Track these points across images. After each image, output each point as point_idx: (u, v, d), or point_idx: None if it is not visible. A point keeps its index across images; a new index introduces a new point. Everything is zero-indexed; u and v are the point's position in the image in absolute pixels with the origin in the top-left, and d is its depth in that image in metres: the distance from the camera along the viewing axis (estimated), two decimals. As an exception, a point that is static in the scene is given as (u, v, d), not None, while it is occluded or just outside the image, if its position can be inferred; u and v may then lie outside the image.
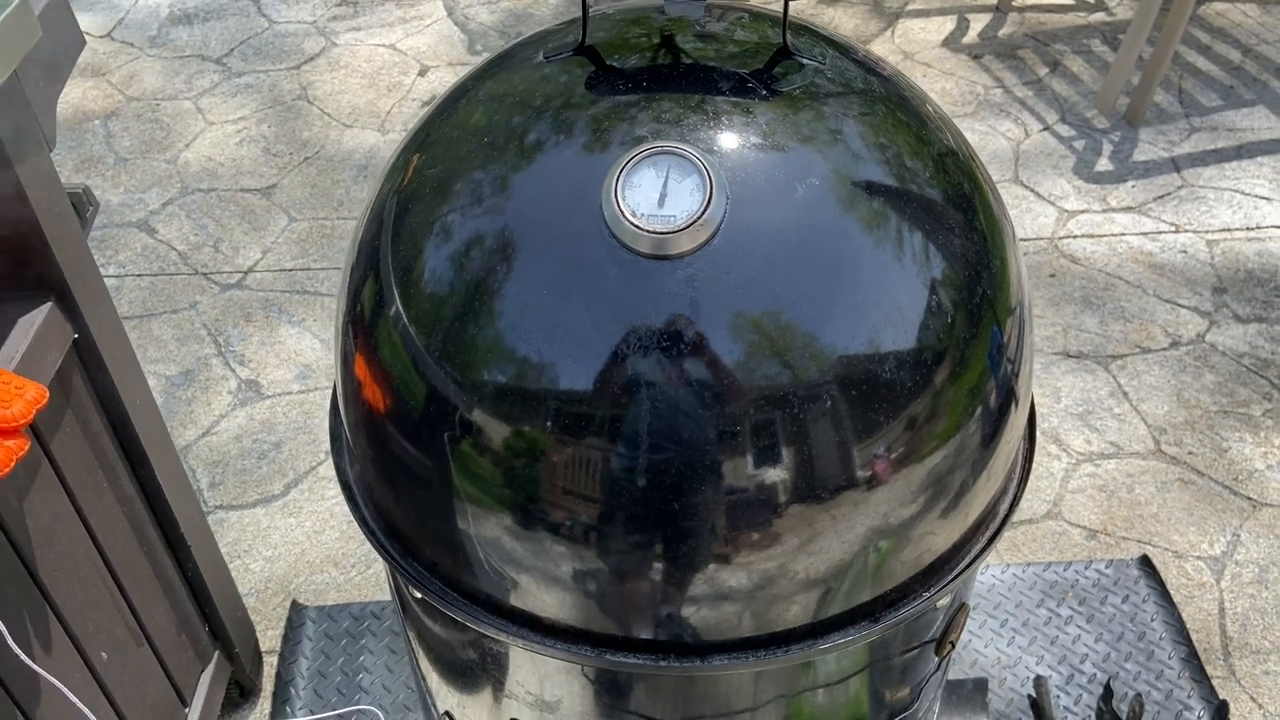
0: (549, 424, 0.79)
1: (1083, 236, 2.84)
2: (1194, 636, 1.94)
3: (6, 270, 1.23)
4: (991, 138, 3.19)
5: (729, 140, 0.82)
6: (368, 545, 2.14)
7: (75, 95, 3.45)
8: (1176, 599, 2.00)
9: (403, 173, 0.92)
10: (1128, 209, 2.93)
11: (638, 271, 0.78)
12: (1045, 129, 3.22)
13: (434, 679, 1.17)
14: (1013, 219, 1.11)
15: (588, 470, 0.80)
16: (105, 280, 1.45)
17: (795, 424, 0.79)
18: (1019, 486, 1.01)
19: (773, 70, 0.89)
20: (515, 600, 0.89)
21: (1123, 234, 2.85)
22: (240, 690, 1.88)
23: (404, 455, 0.89)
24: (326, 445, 2.36)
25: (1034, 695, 1.84)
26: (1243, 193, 2.96)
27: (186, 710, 1.66)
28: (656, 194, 0.79)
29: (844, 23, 3.73)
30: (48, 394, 1.13)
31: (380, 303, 0.88)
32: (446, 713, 1.18)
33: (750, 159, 0.82)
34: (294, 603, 2.02)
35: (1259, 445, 2.29)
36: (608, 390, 0.78)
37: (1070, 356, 2.51)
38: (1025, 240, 2.84)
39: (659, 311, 0.78)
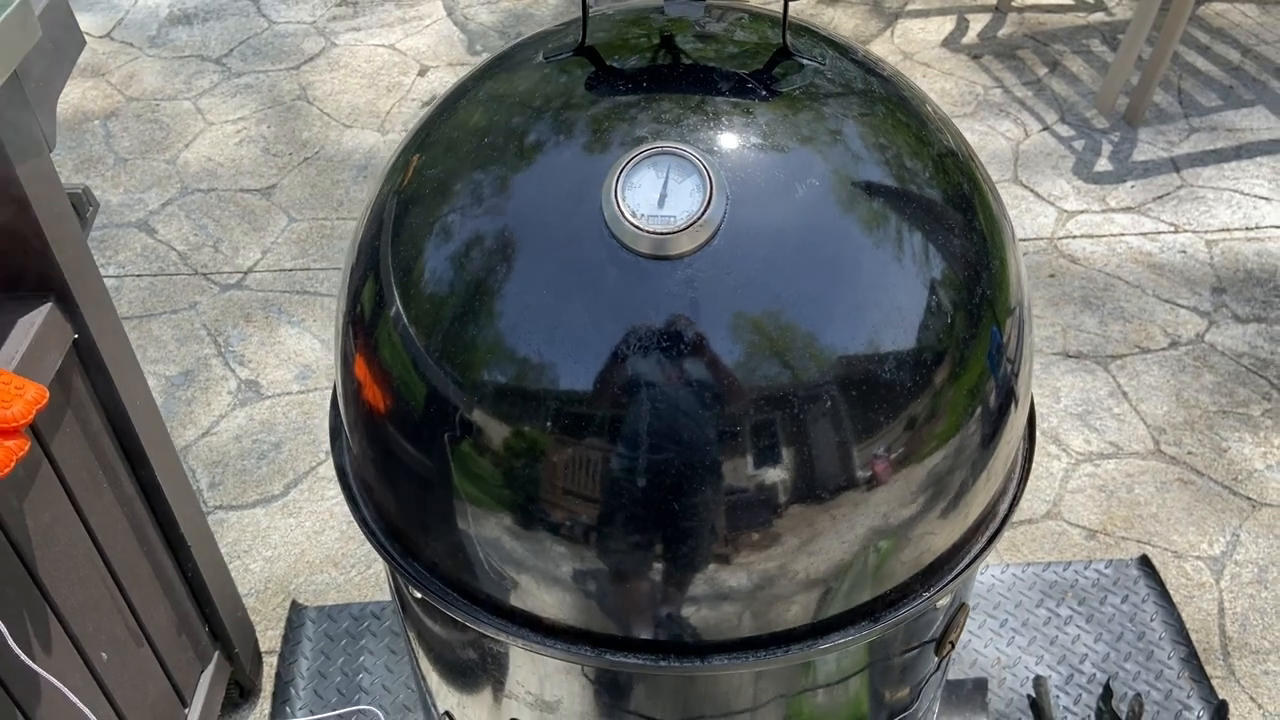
0: (549, 424, 0.80)
1: (1082, 237, 2.84)
2: (1193, 636, 1.94)
3: (6, 270, 1.23)
4: (991, 138, 3.19)
5: (729, 141, 0.82)
6: (367, 545, 2.14)
7: (75, 95, 3.45)
8: (1176, 599, 2.00)
9: (403, 173, 0.92)
10: (1127, 209, 2.93)
11: (638, 272, 0.78)
12: (1045, 129, 3.22)
13: (434, 679, 1.17)
14: (1012, 219, 1.11)
15: (588, 470, 0.80)
16: (105, 280, 1.45)
17: (795, 424, 0.79)
18: (1018, 486, 1.02)
19: (772, 71, 0.89)
20: (515, 600, 0.89)
21: (1122, 234, 2.85)
22: (240, 690, 1.88)
23: (404, 455, 0.89)
24: (326, 445, 2.36)
25: (1033, 695, 1.84)
26: (1242, 193, 2.96)
27: (186, 710, 1.66)
28: (656, 194, 0.79)
29: (843, 23, 3.73)
30: (48, 394, 1.13)
31: (380, 303, 0.88)
32: (446, 713, 1.18)
33: (750, 159, 0.82)
34: (294, 603, 2.02)
35: (1258, 445, 2.29)
36: (608, 390, 0.78)
37: (1070, 356, 2.51)
38: (1025, 240, 2.84)
39: (659, 312, 0.78)
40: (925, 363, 0.82)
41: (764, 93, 0.86)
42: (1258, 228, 2.85)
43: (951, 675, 1.84)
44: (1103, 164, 3.08)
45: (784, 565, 0.83)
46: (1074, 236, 2.84)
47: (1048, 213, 2.92)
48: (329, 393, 2.45)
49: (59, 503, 1.30)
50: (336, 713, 1.84)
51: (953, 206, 0.88)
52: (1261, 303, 2.63)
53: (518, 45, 0.99)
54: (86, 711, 1.26)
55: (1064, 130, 3.21)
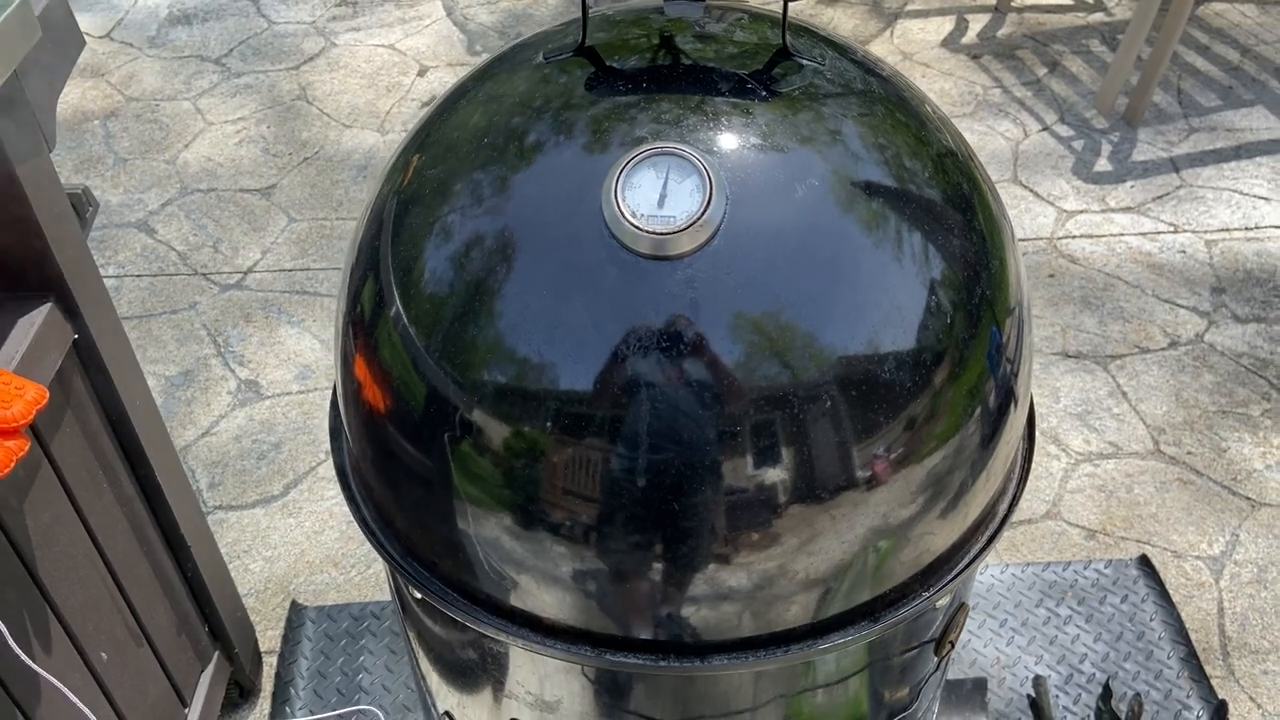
0: (549, 424, 0.80)
1: (1082, 237, 2.84)
2: (1193, 636, 1.95)
3: (6, 270, 1.23)
4: (990, 138, 3.19)
5: (729, 141, 0.82)
6: (367, 545, 2.14)
7: (75, 95, 3.45)
8: (1175, 599, 2.00)
9: (402, 173, 0.92)
10: (1126, 209, 2.93)
11: (637, 272, 0.78)
12: (1044, 129, 3.22)
13: (434, 679, 1.17)
14: (1012, 219, 1.11)
15: (588, 470, 0.80)
16: (105, 281, 1.45)
17: (795, 424, 0.79)
18: (1018, 486, 1.02)
19: (772, 71, 0.89)
20: (515, 600, 0.89)
21: (1121, 234, 2.85)
22: (240, 690, 1.88)
23: (404, 455, 0.89)
24: (326, 445, 2.36)
25: (1033, 695, 1.85)
26: (1241, 193, 2.97)
27: (186, 710, 1.66)
28: (656, 195, 0.79)
29: (843, 23, 3.73)
30: (48, 394, 1.13)
31: (380, 303, 0.89)
32: (446, 713, 1.18)
33: (750, 160, 0.82)
34: (293, 603, 2.02)
35: (1258, 445, 2.29)
36: (608, 391, 0.78)
37: (1069, 356, 2.51)
38: (1024, 240, 2.84)
39: (659, 312, 0.78)
40: (925, 363, 0.82)
41: (764, 93, 0.86)
42: (1257, 228, 2.85)
43: (951, 675, 1.85)
44: (1102, 164, 3.08)
45: (784, 565, 0.83)
46: (1073, 236, 2.85)
47: (1047, 213, 2.92)
48: (329, 393, 2.45)
49: (59, 503, 1.30)
50: (336, 713, 1.84)
51: (952, 206, 0.88)
52: (1261, 303, 2.63)
53: (517, 45, 0.99)
54: (86, 711, 1.26)
55: (1063, 130, 3.21)
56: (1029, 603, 1.99)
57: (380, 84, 3.49)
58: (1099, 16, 3.73)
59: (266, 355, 2.57)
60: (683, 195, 0.79)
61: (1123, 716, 1.81)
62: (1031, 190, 3.00)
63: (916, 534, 0.88)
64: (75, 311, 1.28)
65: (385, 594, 2.05)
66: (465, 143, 0.89)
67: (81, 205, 1.31)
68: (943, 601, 1.00)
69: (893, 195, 0.85)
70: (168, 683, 1.60)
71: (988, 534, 0.96)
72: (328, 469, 2.30)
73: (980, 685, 1.75)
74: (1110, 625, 1.96)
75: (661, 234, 0.78)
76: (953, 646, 1.10)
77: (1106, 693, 1.83)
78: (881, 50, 3.58)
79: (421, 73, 3.54)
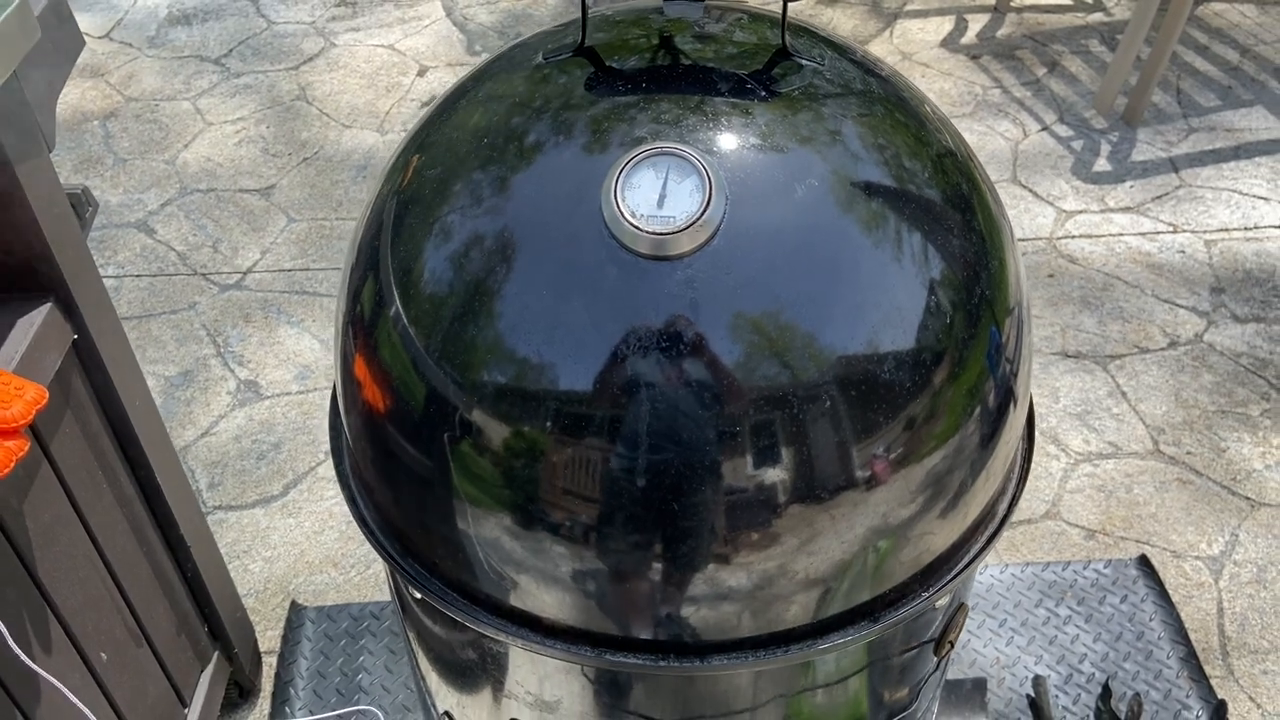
0: (549, 424, 0.80)
1: (1081, 237, 2.85)
2: (1192, 636, 1.95)
3: (6, 270, 1.23)
4: (990, 138, 3.19)
5: (728, 141, 0.82)
6: (367, 545, 2.14)
7: (74, 96, 3.45)
8: (1175, 599, 2.00)
9: (402, 173, 0.92)
10: (1126, 209, 2.93)
11: (637, 272, 0.78)
12: (1043, 129, 3.22)
13: (433, 679, 1.17)
14: (1011, 219, 1.12)
15: (587, 471, 0.80)
16: (104, 281, 1.45)
17: (794, 424, 0.79)
18: (1017, 486, 1.02)
19: (772, 71, 0.89)
20: (515, 600, 0.89)
21: (1121, 234, 2.85)
22: (240, 690, 1.88)
23: (404, 455, 0.89)
24: (326, 445, 2.36)
25: (1033, 695, 1.85)
26: (1240, 193, 2.97)
27: (186, 710, 1.66)
28: (656, 195, 0.79)
29: (842, 23, 3.74)
30: (47, 395, 1.13)
31: (380, 303, 0.89)
32: (446, 713, 1.18)
33: (749, 160, 0.82)
34: (293, 603, 2.02)
35: (1257, 445, 2.29)
36: (607, 391, 0.78)
37: (1069, 356, 2.51)
38: (1024, 240, 2.84)
39: (658, 312, 0.78)
40: (924, 363, 0.82)
41: (763, 93, 0.86)
42: (1256, 228, 2.85)
43: (951, 675, 1.85)
44: (1101, 164, 3.08)
45: (783, 565, 0.83)
46: (1073, 236, 2.85)
47: (1046, 213, 2.92)
48: (328, 393, 2.45)
49: (59, 503, 1.30)
50: (336, 713, 1.84)
51: (952, 207, 0.88)
52: (1260, 302, 2.63)
53: (517, 46, 0.99)
54: (86, 711, 1.26)
55: (1063, 130, 3.21)
56: (1028, 603, 1.99)
57: (380, 84, 3.49)
58: (1098, 16, 3.73)
59: (266, 355, 2.57)
60: (682, 195, 0.79)
61: (1122, 716, 1.81)
62: (1031, 190, 3.00)
63: (916, 534, 0.88)
64: (75, 312, 1.28)
65: (385, 594, 2.05)
66: (465, 143, 0.89)
67: (81, 205, 1.31)
68: (942, 601, 1.00)
69: (892, 195, 0.85)
70: (167, 683, 1.60)
71: (987, 534, 0.96)
72: (327, 469, 2.30)
73: (980, 685, 1.75)
74: (1110, 625, 1.96)
75: (661, 234, 0.78)
76: (952, 646, 1.10)
77: (1106, 693, 1.83)
78: (881, 50, 3.58)
79: (421, 73, 3.54)
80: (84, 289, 1.29)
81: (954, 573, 0.93)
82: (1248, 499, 2.19)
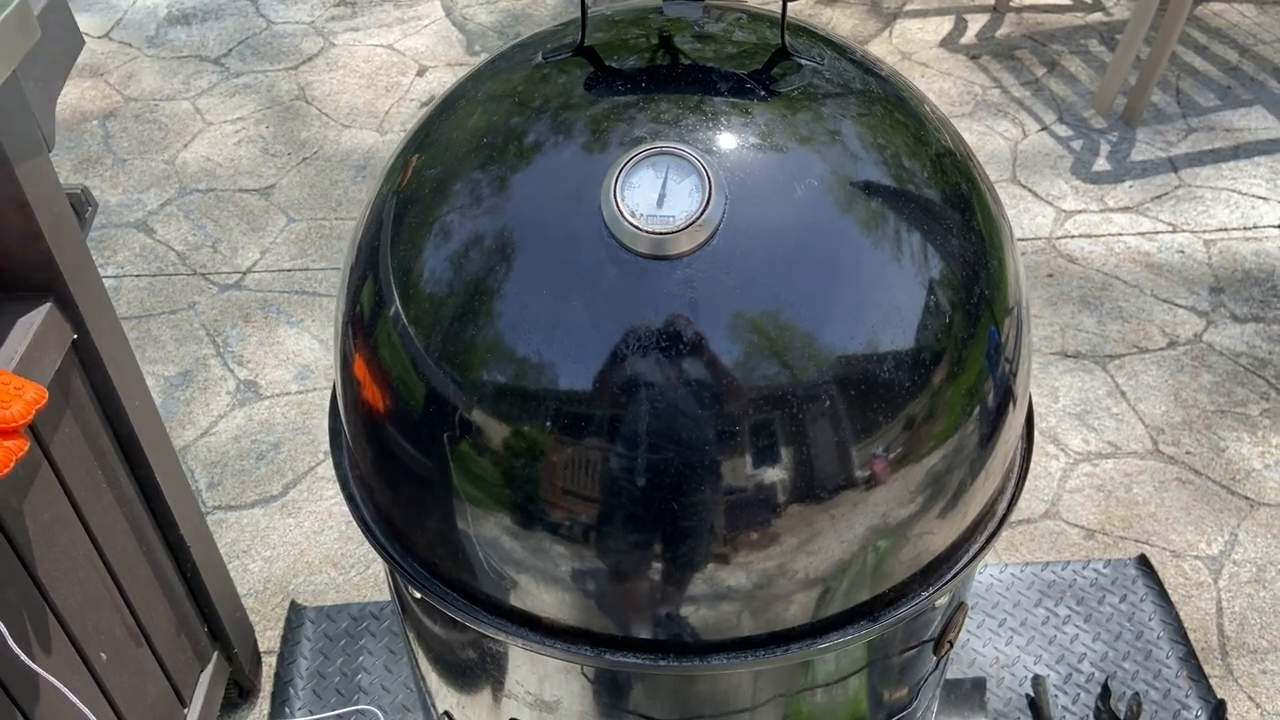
0: (548, 424, 0.80)
1: (1080, 236, 2.85)
2: (1191, 636, 1.95)
3: (5, 270, 1.23)
4: (989, 138, 3.19)
5: (728, 141, 0.82)
6: (366, 545, 2.14)
7: (73, 95, 3.45)
8: (1174, 598, 2.00)
9: (402, 173, 0.92)
10: (1125, 209, 2.93)
11: (637, 272, 0.79)
12: (1043, 129, 3.22)
13: (433, 679, 1.17)
14: (1010, 219, 1.11)
15: (587, 470, 0.80)
16: (104, 281, 1.45)
17: (794, 424, 0.79)
18: (1017, 486, 1.02)
19: (771, 71, 0.89)
20: (514, 600, 0.89)
21: (1120, 234, 2.85)
22: (239, 690, 1.88)
23: (403, 455, 0.89)
24: (325, 445, 2.36)
25: (1032, 694, 1.85)
26: (1240, 192, 2.97)
27: (185, 710, 1.66)
28: (655, 194, 0.79)
29: (842, 23, 3.74)
30: (47, 394, 1.13)
31: (380, 303, 0.89)
32: (446, 713, 1.18)
33: (749, 159, 0.82)
34: (293, 603, 2.02)
35: (1256, 445, 2.30)
36: (607, 390, 0.78)
37: (1068, 356, 2.51)
38: (1023, 240, 2.84)
39: (658, 312, 0.78)
40: (923, 362, 0.82)
41: (762, 93, 0.86)
42: (1255, 227, 2.86)
43: (950, 675, 1.85)
44: (1101, 164, 3.08)
45: (783, 565, 0.83)
46: (1072, 236, 2.85)
47: (1046, 213, 2.92)
48: (328, 393, 2.45)
49: (58, 503, 1.30)
50: (335, 713, 1.84)
51: (951, 206, 0.88)
52: (1259, 302, 2.63)
53: (516, 45, 0.99)
54: (86, 711, 1.26)
55: (1062, 130, 3.21)
56: (1028, 602, 1.99)
57: (379, 84, 3.49)
58: (1097, 16, 3.73)
59: (265, 355, 2.57)
60: (682, 195, 0.79)
61: (1121, 716, 1.81)
62: (1030, 190, 3.00)
63: (915, 533, 0.88)
64: (74, 311, 1.28)
65: (384, 594, 2.05)
66: (464, 143, 0.89)
67: (80, 205, 1.31)
68: (942, 601, 1.00)
69: (892, 195, 0.85)
70: (167, 683, 1.60)
71: (986, 533, 0.97)
72: (327, 469, 2.29)
73: (979, 685, 1.75)
74: (1109, 625, 1.96)
75: (661, 234, 0.78)
76: (951, 646, 1.10)
77: (1105, 692, 1.83)
78: (880, 50, 3.58)
79: (420, 73, 3.54)
80: (83, 289, 1.29)
81: (953, 572, 0.93)
82: (1247, 499, 2.19)
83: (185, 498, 1.59)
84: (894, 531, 0.86)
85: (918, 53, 3.57)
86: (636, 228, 0.78)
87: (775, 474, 0.80)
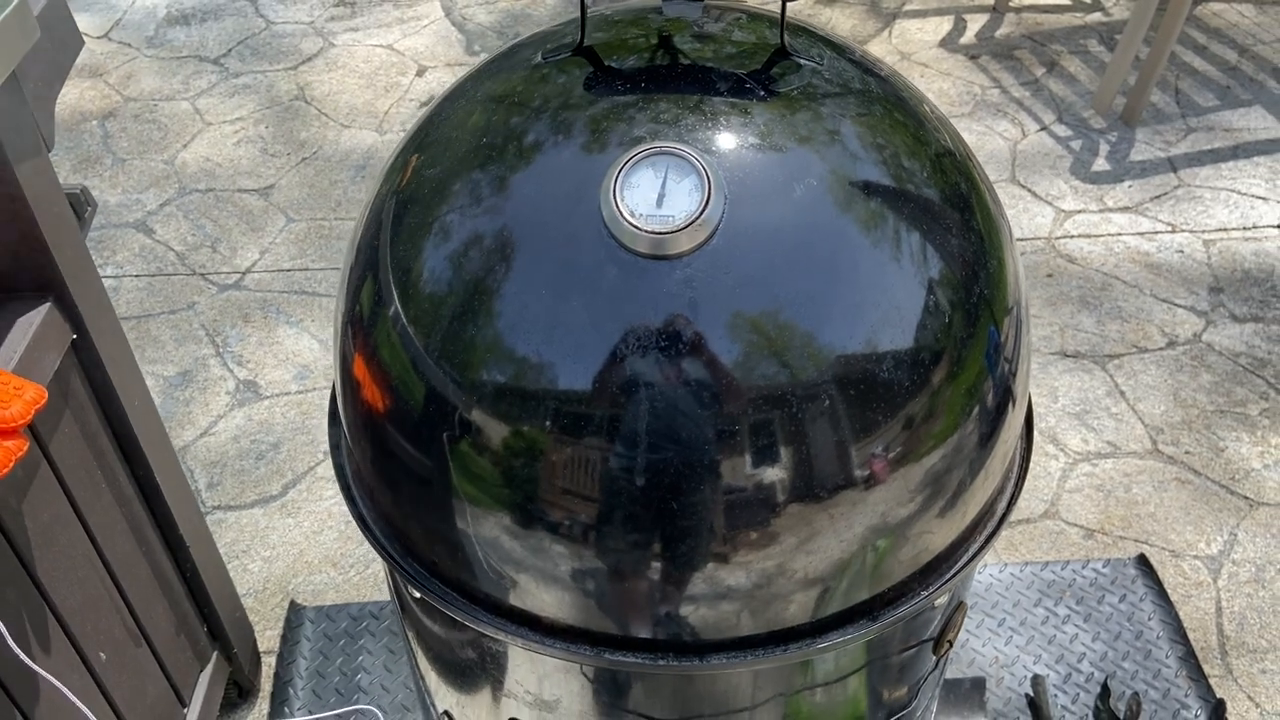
0: (548, 424, 0.80)
1: (1080, 236, 2.85)
2: (1191, 635, 1.95)
3: (5, 271, 1.23)
4: (989, 138, 3.19)
5: (727, 141, 0.82)
6: (366, 545, 2.14)
7: (73, 96, 3.45)
8: (1173, 598, 2.01)
9: (401, 173, 0.92)
10: (1124, 209, 2.93)
11: (636, 271, 0.79)
12: (1042, 129, 3.22)
13: (433, 678, 1.17)
14: (1010, 219, 1.11)
15: (586, 470, 0.80)
16: (103, 281, 1.45)
17: (793, 423, 0.79)
18: (1016, 486, 1.02)
19: (770, 71, 0.89)
20: (514, 599, 0.89)
21: (1119, 234, 2.85)
22: (239, 690, 1.88)
23: (403, 455, 0.89)
24: (324, 445, 2.36)
25: (1031, 694, 1.85)
26: (1239, 192, 2.97)
27: (185, 710, 1.66)
28: (655, 194, 0.79)
29: (841, 23, 3.74)
30: (46, 394, 1.13)
31: (379, 303, 0.89)
32: (445, 712, 1.18)
33: (748, 159, 0.82)
34: (292, 603, 2.02)
35: (1255, 444, 2.30)
36: (606, 390, 0.78)
37: (1067, 356, 2.51)
38: (1022, 240, 2.85)
39: (657, 311, 0.78)
40: (923, 362, 0.82)
41: (762, 93, 0.86)
42: (1255, 227, 2.86)
43: (949, 674, 1.85)
44: (1100, 164, 3.08)
45: (782, 564, 0.83)
46: (1071, 236, 2.85)
47: (1045, 212, 2.92)
48: (327, 393, 2.45)
49: (58, 503, 1.30)
50: (335, 712, 1.84)
51: (950, 206, 0.88)
52: (1258, 302, 2.63)
53: (516, 45, 0.99)
54: (86, 711, 1.26)
55: (1061, 130, 3.21)
56: (1027, 602, 2.00)
57: (379, 84, 3.49)
58: (1097, 16, 3.73)
59: (265, 355, 2.57)
60: (681, 195, 0.79)
61: (1121, 715, 1.81)
62: (1029, 190, 3.00)
63: (915, 533, 0.88)
64: (74, 312, 1.28)
65: (384, 594, 2.05)
66: (464, 142, 0.89)
67: (80, 205, 1.31)
68: (941, 600, 1.00)
69: (891, 195, 0.85)
70: (166, 683, 1.60)
71: (986, 533, 0.97)
72: (326, 469, 2.30)
73: (979, 684, 1.75)
74: (1108, 624, 1.96)
75: (660, 233, 0.78)
76: (951, 645, 1.10)
77: (1105, 692, 1.83)
78: (879, 50, 3.58)
79: (420, 73, 3.54)
80: (83, 289, 1.29)
81: (953, 571, 0.93)
82: (1246, 498, 2.19)
83: (185, 498, 1.59)
84: (893, 531, 0.86)
85: (917, 53, 3.57)
86: (636, 227, 0.78)
87: (774, 473, 0.80)
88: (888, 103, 0.91)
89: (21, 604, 1.23)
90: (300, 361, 2.55)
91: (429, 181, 0.88)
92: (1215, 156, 3.10)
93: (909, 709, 1.15)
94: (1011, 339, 0.91)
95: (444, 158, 0.89)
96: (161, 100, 3.44)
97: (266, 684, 1.91)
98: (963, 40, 3.62)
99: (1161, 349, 2.52)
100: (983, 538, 0.96)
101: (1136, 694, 1.83)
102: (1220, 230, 2.85)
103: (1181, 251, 2.79)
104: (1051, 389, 2.44)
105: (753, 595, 0.85)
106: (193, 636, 1.68)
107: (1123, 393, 2.42)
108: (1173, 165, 3.07)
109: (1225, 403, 2.39)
